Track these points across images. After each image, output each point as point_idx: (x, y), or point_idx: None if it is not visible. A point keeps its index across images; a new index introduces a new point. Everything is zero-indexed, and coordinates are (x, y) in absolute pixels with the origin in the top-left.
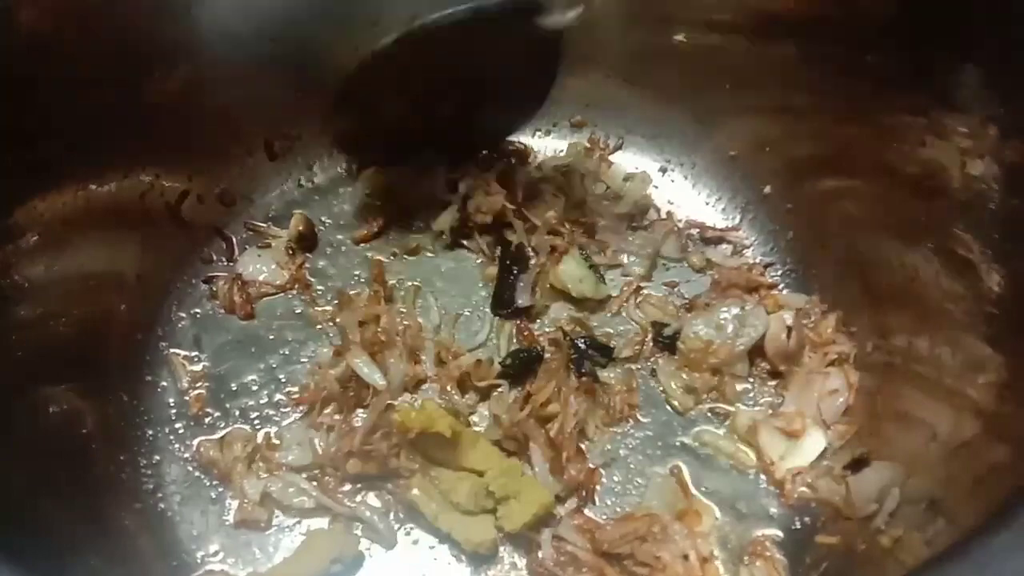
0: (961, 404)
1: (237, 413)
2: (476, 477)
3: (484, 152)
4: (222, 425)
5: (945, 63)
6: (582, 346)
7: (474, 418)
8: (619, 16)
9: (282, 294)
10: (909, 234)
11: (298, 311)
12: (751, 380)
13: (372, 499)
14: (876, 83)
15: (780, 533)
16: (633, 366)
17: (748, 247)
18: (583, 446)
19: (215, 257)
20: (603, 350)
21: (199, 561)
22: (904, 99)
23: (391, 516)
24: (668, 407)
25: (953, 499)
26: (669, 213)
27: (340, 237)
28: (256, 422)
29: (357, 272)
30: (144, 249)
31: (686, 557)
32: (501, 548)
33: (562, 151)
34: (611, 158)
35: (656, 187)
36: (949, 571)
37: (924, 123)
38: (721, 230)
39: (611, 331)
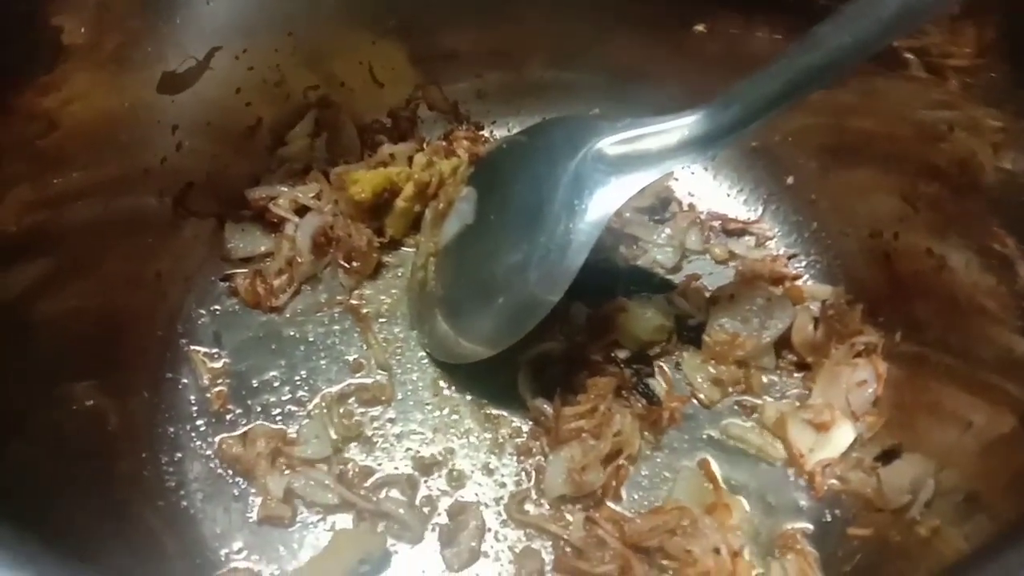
0: (996, 398)
1: (259, 410)
2: None
3: None
4: (244, 422)
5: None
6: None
7: None
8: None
9: (308, 288)
10: (938, 226)
11: (319, 309)
12: (778, 372)
13: (395, 494)
14: (902, 74)
15: (811, 526)
16: (661, 362)
17: (771, 238)
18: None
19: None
20: (649, 396)
21: (223, 559)
22: (932, 91)
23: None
24: (694, 400)
25: (991, 493)
26: (691, 205)
27: None
28: (278, 418)
29: None
30: (159, 246)
31: (717, 551)
32: (526, 535)
33: None
34: None
35: (677, 179)
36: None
37: (952, 115)
38: (744, 222)
39: None
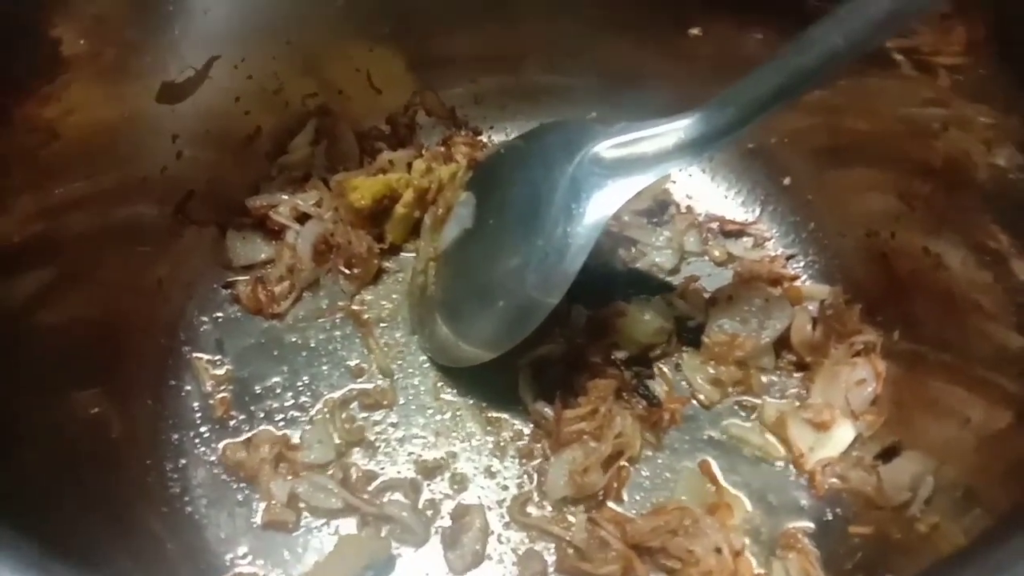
0: (992, 394)
1: (262, 416)
2: None
3: None
4: (247, 428)
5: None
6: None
7: None
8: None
9: (309, 295)
10: (934, 224)
11: (320, 315)
12: (777, 372)
13: (398, 497)
14: (893, 73)
15: (812, 525)
16: (661, 364)
17: (769, 239)
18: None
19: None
20: (650, 398)
21: (227, 564)
22: (923, 89)
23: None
24: (694, 401)
25: (987, 486)
26: (689, 207)
27: None
28: (281, 424)
29: None
30: (160, 254)
31: (719, 550)
32: (528, 537)
33: None
34: None
35: (674, 182)
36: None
37: (944, 113)
38: (741, 223)
39: None
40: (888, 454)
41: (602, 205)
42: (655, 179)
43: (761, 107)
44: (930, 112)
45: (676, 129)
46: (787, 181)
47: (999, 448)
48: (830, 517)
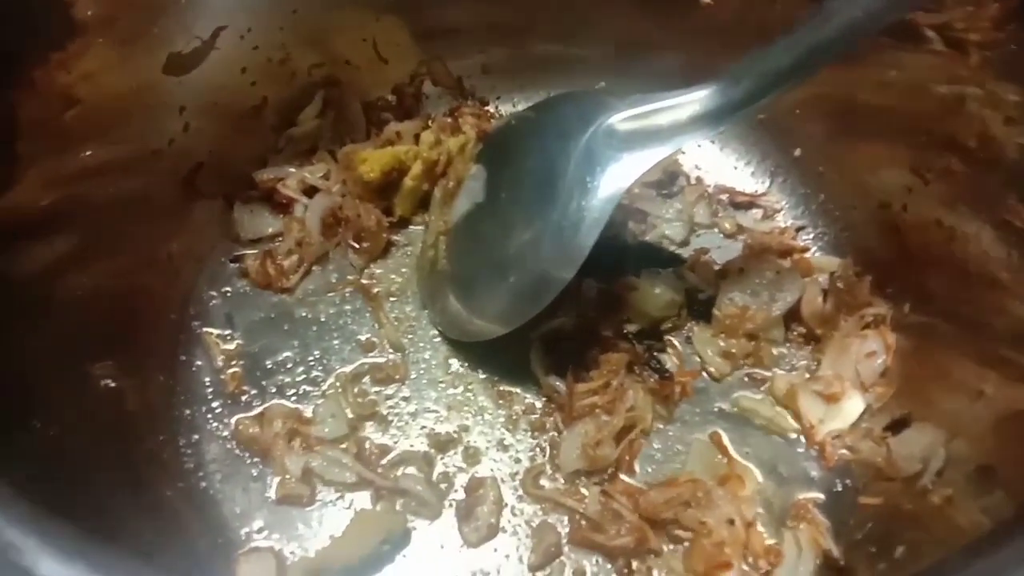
0: (1010, 372)
1: (273, 390)
2: None
3: None
4: (258, 403)
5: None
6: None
7: None
8: None
9: (318, 269)
10: (948, 198)
11: (330, 289)
12: (787, 344)
13: (412, 471)
14: (918, 47)
15: (822, 496)
16: (671, 337)
17: (779, 211)
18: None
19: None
20: (661, 371)
21: (243, 538)
22: (949, 64)
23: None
24: (705, 374)
25: (1008, 469)
26: (699, 179)
27: None
28: (293, 399)
29: None
30: (170, 227)
31: (731, 522)
32: (542, 510)
33: None
34: None
35: (684, 153)
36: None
37: (969, 89)
38: (751, 195)
39: None
40: (898, 426)
41: (617, 178)
42: (670, 152)
43: (779, 80)
44: (953, 88)
45: (692, 101)
46: (798, 152)
47: (1019, 428)
48: (840, 488)
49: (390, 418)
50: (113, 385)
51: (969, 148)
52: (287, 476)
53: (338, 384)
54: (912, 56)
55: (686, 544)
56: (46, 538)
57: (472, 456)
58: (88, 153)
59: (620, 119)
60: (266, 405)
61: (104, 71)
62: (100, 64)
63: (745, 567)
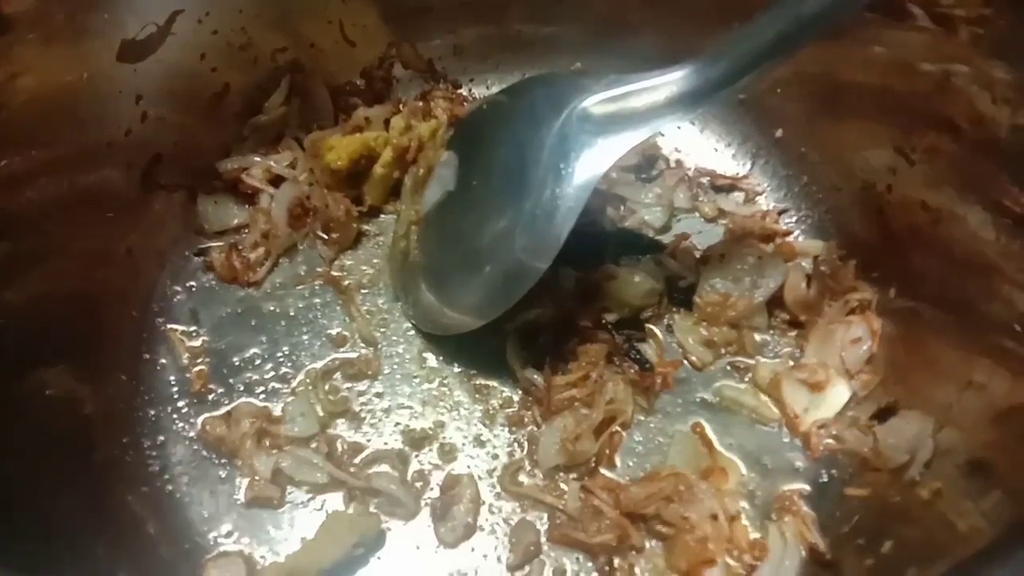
0: (1000, 359)
1: (241, 388)
2: None
3: None
4: (226, 402)
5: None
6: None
7: None
8: None
9: (286, 261)
10: (934, 179)
11: (298, 282)
12: (771, 332)
13: (386, 469)
14: (904, 24)
15: (807, 487)
16: (652, 325)
17: (761, 193)
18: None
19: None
20: (641, 362)
21: (212, 543)
22: (937, 42)
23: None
24: (687, 363)
25: (1005, 465)
26: (678, 162)
27: None
28: (262, 397)
29: None
30: (128, 221)
31: (715, 517)
32: (520, 507)
33: None
34: None
35: (663, 135)
36: None
37: (959, 68)
38: (732, 177)
39: None
40: (885, 414)
41: (592, 164)
42: (646, 136)
43: (760, 59)
44: (937, 64)
45: (668, 82)
46: (779, 133)
47: (1018, 425)
48: (826, 479)
49: (363, 415)
50: (70, 389)
51: (956, 128)
52: (256, 477)
53: (308, 381)
54: (897, 33)
55: (669, 540)
56: None
57: (448, 453)
58: (36, 150)
59: (595, 102)
60: (234, 404)
61: (49, 62)
62: (44, 55)
63: (730, 561)
